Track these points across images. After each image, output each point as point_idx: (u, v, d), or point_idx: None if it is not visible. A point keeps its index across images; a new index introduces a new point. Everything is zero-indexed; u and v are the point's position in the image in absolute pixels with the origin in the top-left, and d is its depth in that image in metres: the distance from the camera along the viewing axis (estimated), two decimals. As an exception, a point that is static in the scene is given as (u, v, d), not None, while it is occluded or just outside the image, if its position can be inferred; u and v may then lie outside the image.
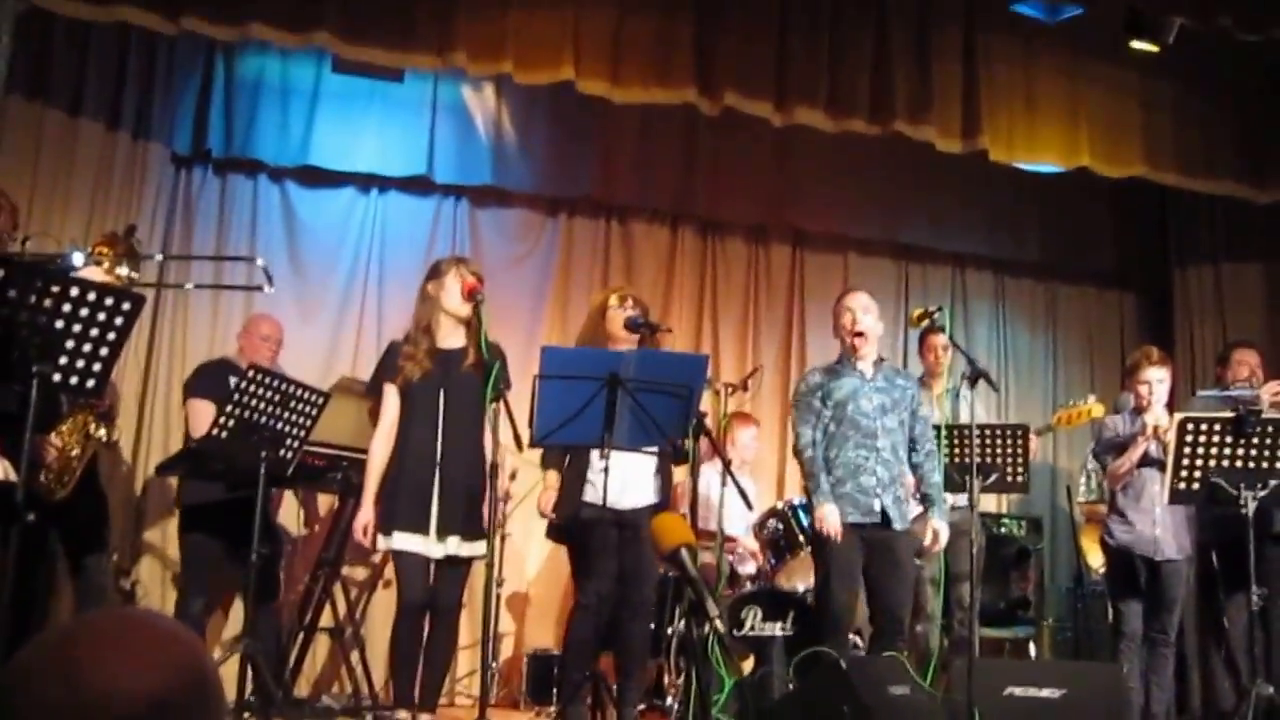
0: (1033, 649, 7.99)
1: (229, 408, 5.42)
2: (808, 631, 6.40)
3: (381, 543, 5.47)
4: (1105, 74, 7.80)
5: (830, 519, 5.76)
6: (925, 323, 6.07)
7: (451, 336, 5.61)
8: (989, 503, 7.21)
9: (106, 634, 1.26)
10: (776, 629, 6.59)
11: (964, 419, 6.58)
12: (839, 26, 7.37)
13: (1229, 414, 5.65)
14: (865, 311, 6.03)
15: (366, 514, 5.48)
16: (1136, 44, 7.19)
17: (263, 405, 5.47)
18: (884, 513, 5.81)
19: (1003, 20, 7.50)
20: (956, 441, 6.43)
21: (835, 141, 7.85)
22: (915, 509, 6.15)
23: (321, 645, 7.41)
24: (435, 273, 5.68)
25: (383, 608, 7.33)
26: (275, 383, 5.52)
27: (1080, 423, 7.23)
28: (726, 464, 5.99)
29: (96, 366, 4.32)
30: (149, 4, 6.35)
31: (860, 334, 6.00)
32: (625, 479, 5.48)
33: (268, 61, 7.90)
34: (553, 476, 5.78)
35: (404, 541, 5.41)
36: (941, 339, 7.19)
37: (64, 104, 7.20)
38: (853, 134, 7.54)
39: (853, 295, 6.14)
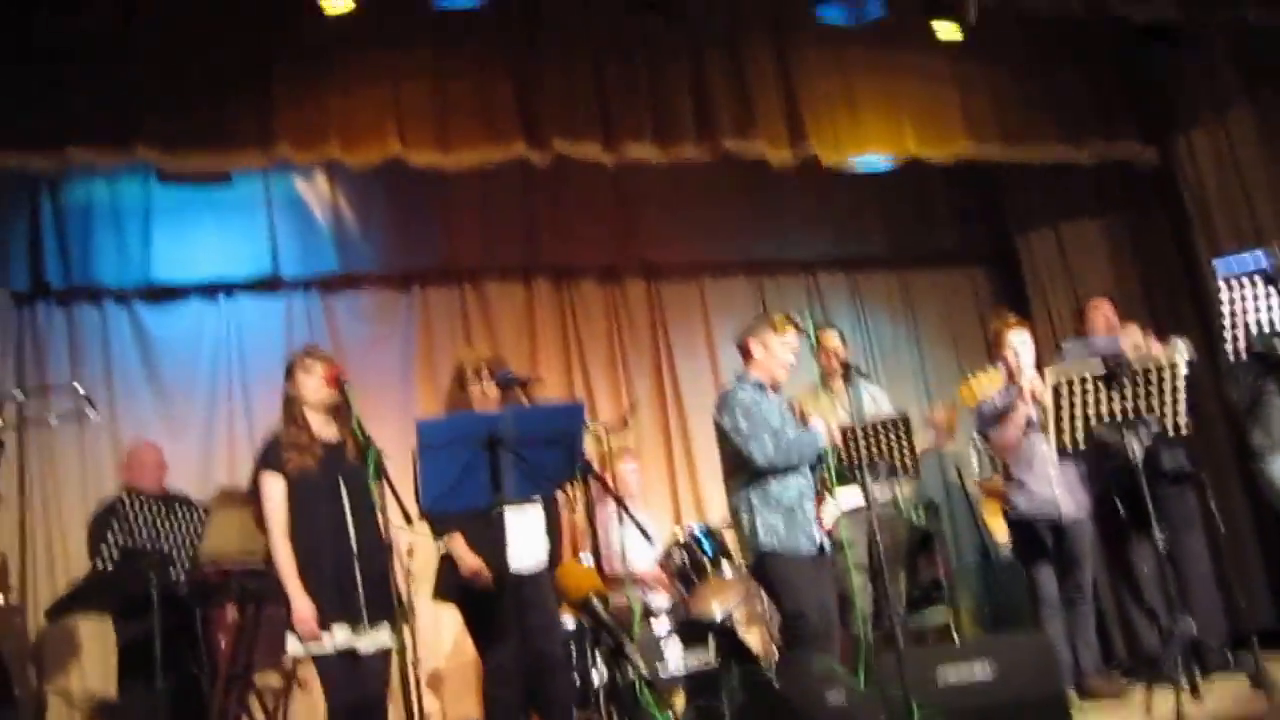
0: (954, 631, 8.02)
1: (109, 536, 5.31)
2: (731, 655, 6.39)
3: (324, 640, 5.25)
4: (918, 63, 7.95)
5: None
6: (790, 329, 6.04)
7: (324, 430, 5.50)
8: (886, 494, 7.20)
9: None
10: (698, 658, 6.56)
11: (868, 410, 6.62)
12: (653, 58, 7.43)
13: (1097, 368, 5.59)
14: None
15: (303, 604, 5.20)
16: (939, 24, 7.37)
17: (144, 529, 5.35)
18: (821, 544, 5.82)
19: (811, 26, 7.55)
20: (842, 441, 6.27)
21: (672, 171, 7.90)
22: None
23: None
24: (288, 373, 5.56)
25: (302, 713, 7.18)
26: (151, 504, 5.41)
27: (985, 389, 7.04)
28: (620, 502, 5.95)
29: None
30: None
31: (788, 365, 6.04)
32: (518, 539, 5.35)
33: (95, 186, 7.78)
34: (458, 539, 5.54)
35: (341, 637, 5.24)
36: (832, 337, 7.24)
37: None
38: (686, 161, 7.60)
39: (789, 333, 6.04)
